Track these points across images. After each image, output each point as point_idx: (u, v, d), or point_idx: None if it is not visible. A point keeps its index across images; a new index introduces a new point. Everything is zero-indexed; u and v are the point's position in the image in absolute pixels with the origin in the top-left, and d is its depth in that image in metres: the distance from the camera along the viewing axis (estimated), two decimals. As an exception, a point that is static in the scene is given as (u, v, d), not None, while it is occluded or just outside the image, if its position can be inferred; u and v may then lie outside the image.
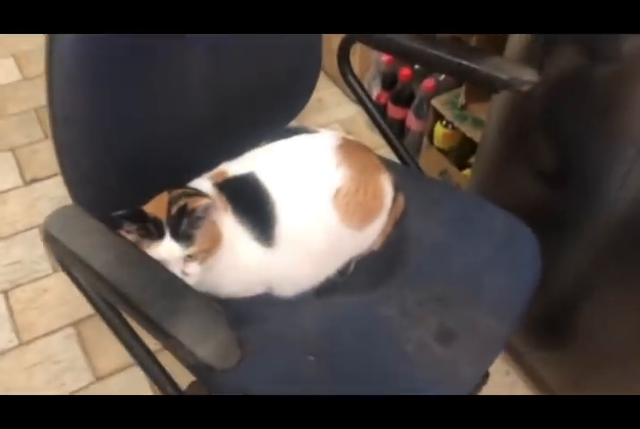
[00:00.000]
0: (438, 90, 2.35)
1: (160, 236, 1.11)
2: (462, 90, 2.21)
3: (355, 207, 1.24)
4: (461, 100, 2.22)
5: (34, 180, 2.62)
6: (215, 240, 1.18)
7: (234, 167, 1.26)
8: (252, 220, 1.22)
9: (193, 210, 1.12)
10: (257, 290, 1.29)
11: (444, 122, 2.30)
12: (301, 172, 1.25)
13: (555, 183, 1.45)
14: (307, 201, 1.23)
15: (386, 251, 1.37)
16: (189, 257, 1.14)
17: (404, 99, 2.52)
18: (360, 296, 1.30)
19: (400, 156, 1.56)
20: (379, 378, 1.13)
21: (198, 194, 1.18)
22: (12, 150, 2.75)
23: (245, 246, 1.23)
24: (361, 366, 1.13)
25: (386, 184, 1.31)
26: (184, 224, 1.12)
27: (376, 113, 1.55)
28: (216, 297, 1.27)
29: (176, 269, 1.14)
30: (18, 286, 2.24)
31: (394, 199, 1.36)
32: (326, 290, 1.31)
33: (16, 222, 2.46)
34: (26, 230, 2.44)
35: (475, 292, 1.26)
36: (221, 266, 1.21)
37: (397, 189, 1.37)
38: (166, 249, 1.11)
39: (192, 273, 1.16)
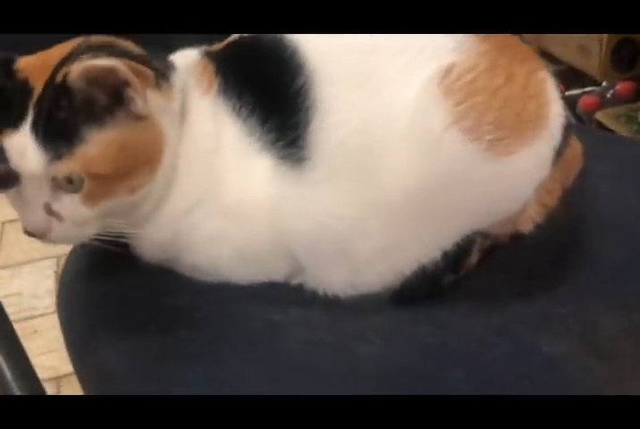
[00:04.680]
0: (603, 107, 1.70)
1: (16, 122, 0.53)
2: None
3: (487, 102, 0.57)
4: (643, 112, 1.57)
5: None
6: (145, 159, 0.57)
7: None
8: (261, 109, 0.59)
9: (90, 80, 0.53)
10: (268, 269, 0.62)
11: (614, 145, 1.63)
12: (377, 40, 0.60)
13: None
14: (383, 80, 0.58)
15: (547, 236, 0.67)
16: (67, 183, 0.54)
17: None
18: (490, 312, 0.60)
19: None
20: None
21: (127, 55, 0.56)
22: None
23: (241, 161, 0.59)
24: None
25: (549, 85, 0.63)
26: (65, 108, 0.53)
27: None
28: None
29: (35, 202, 0.55)
30: (6, 324, 1.72)
31: (566, 143, 0.67)
32: (417, 291, 0.61)
33: (32, 250, 2.00)
34: (40, 259, 1.99)
35: None
36: (172, 208, 0.60)
37: (569, 128, 0.68)
38: (15, 149, 0.53)
39: (66, 217, 0.55)
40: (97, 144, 0.53)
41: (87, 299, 0.63)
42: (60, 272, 1.79)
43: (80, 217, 0.55)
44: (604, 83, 1.74)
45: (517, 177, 0.60)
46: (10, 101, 0.54)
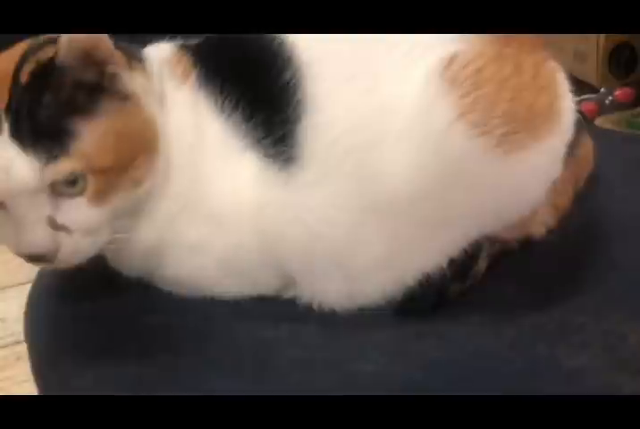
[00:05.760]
0: (602, 114, 1.66)
1: None
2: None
3: (496, 94, 0.52)
4: (645, 117, 1.52)
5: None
6: (141, 145, 0.51)
7: None
8: (246, 104, 0.54)
9: (68, 65, 0.48)
10: (256, 281, 0.56)
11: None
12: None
13: None
14: (379, 74, 0.54)
15: (559, 241, 0.62)
16: (69, 187, 0.48)
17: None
18: (501, 324, 0.55)
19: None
20: None
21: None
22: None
23: (224, 160, 0.54)
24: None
25: (560, 77, 0.58)
26: (47, 104, 0.47)
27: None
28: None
29: (35, 219, 0.48)
30: (-12, 350, 1.65)
31: (577, 140, 0.62)
32: (421, 303, 0.56)
33: (18, 273, 1.92)
34: (26, 282, 1.88)
35: None
36: (164, 209, 0.54)
37: (580, 124, 0.63)
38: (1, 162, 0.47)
39: (75, 226, 0.49)
40: (92, 135, 0.48)
41: (57, 321, 0.57)
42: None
43: (89, 222, 0.50)
44: (602, 89, 1.70)
45: (528, 175, 0.55)
46: None
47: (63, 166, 0.47)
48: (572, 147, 0.60)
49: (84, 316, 0.56)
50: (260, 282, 0.56)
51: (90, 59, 0.48)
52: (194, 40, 0.60)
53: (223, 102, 0.54)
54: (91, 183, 0.48)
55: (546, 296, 0.58)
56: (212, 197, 0.54)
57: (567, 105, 0.58)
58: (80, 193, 0.48)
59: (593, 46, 1.69)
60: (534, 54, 0.57)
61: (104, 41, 0.48)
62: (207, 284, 0.56)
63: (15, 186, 0.47)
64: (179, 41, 0.59)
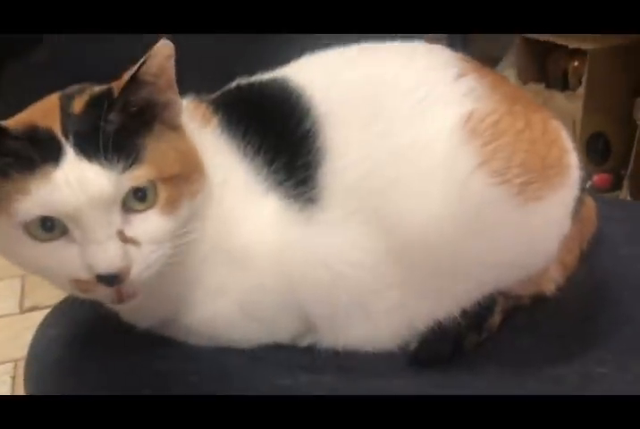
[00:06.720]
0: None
1: (52, 158, 0.47)
2: (625, 187, 1.59)
3: (514, 144, 0.54)
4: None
5: (33, 309, 2.03)
6: (193, 163, 0.53)
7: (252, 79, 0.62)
8: (268, 149, 0.55)
9: (127, 89, 0.49)
10: (274, 326, 0.56)
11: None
12: (384, 79, 0.58)
13: None
14: (393, 121, 0.55)
15: (569, 299, 0.62)
16: (139, 203, 0.49)
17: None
18: (522, 376, 0.55)
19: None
20: None
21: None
22: (23, 276, 2.20)
23: (247, 201, 0.55)
24: None
25: (565, 134, 0.61)
26: (111, 122, 0.48)
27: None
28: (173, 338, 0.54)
29: (106, 234, 0.47)
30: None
31: (582, 199, 0.64)
32: (438, 352, 0.55)
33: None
34: None
35: None
36: (201, 247, 0.54)
37: (584, 181, 0.65)
38: (73, 177, 0.46)
39: (144, 238, 0.49)
40: (157, 148, 0.49)
41: (63, 369, 0.54)
42: (16, 376, 1.63)
43: (159, 232, 0.49)
44: (580, 176, 1.76)
45: (543, 227, 0.56)
46: (17, 151, 0.47)
47: (139, 173, 0.47)
48: (578, 205, 0.62)
49: (90, 366, 0.53)
50: (279, 327, 0.56)
51: (161, 76, 0.50)
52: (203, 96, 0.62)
53: (246, 147, 0.55)
54: (162, 191, 0.49)
55: (563, 348, 0.57)
56: (236, 238, 0.54)
57: (573, 160, 0.60)
58: (150, 207, 0.49)
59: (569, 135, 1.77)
60: (540, 112, 0.60)
61: (172, 64, 0.50)
62: (227, 330, 0.55)
63: (92, 196, 0.46)
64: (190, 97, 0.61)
